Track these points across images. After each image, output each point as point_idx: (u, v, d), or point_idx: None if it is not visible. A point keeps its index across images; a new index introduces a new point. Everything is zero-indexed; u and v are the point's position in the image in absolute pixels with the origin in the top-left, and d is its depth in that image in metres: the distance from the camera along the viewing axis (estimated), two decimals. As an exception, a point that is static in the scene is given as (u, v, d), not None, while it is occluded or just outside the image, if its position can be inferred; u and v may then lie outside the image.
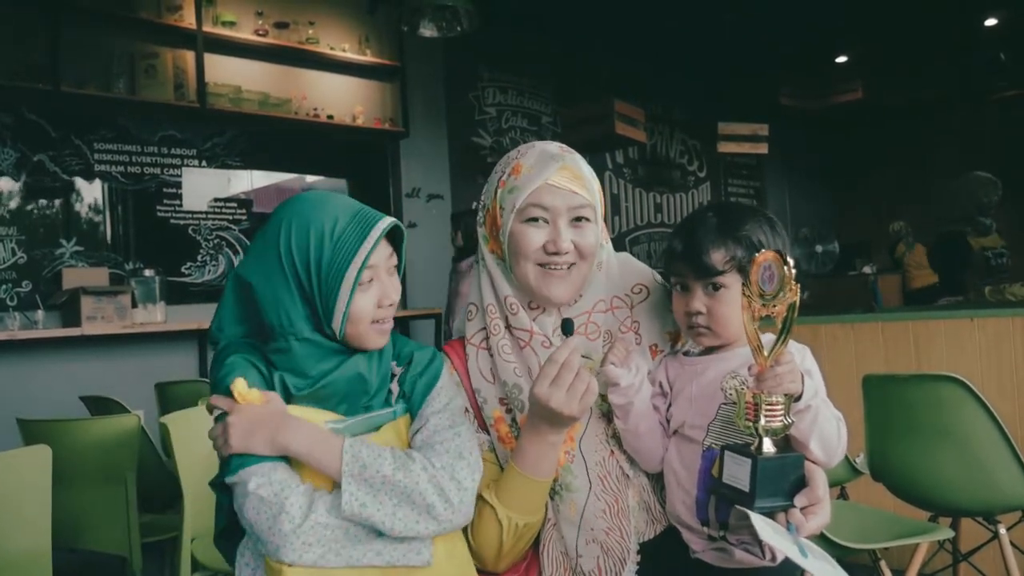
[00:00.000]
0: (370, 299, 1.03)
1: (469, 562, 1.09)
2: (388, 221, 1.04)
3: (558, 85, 6.42)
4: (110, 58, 4.25)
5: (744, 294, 0.97)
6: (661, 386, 1.15)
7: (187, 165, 4.51)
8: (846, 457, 2.29)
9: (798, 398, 0.97)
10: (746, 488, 0.94)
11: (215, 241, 4.59)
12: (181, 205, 4.48)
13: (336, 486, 0.98)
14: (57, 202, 4.08)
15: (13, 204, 3.96)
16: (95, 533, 2.30)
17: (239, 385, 0.98)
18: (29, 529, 1.66)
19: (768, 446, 0.95)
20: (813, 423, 0.99)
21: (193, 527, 2.02)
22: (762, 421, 0.94)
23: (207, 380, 3.34)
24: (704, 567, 1.10)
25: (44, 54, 3.96)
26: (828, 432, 1.01)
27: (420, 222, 5.42)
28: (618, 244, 6.85)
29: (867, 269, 7.58)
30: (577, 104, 5.94)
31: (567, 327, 1.08)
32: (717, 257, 1.07)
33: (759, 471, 0.93)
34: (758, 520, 0.92)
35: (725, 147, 6.62)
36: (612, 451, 1.16)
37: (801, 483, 0.97)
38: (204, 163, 4.58)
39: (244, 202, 4.74)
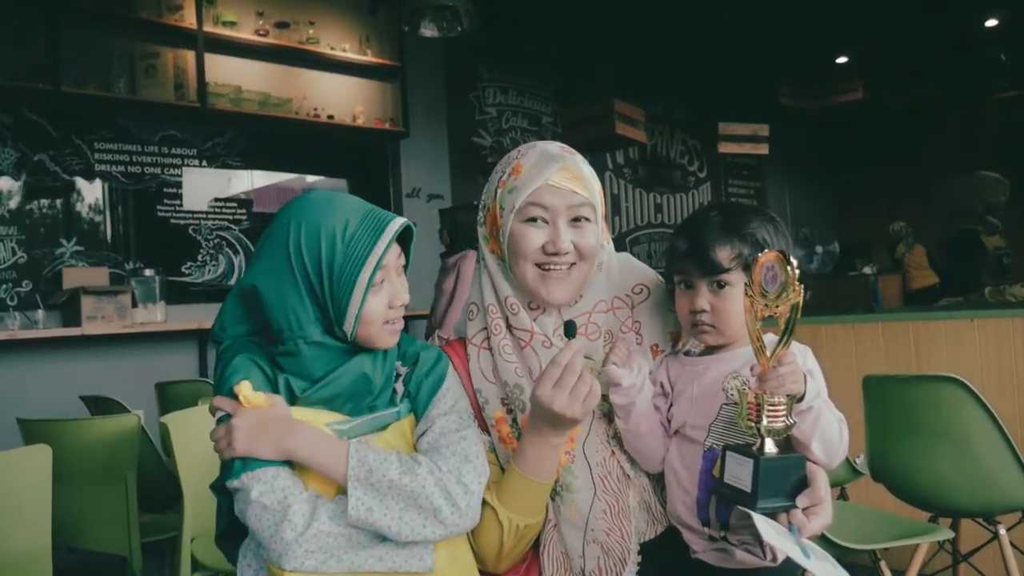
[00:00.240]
0: (382, 300, 1.03)
1: (472, 566, 1.08)
2: (400, 222, 1.03)
3: (558, 85, 6.42)
4: (110, 58, 4.25)
5: (747, 294, 0.97)
6: (662, 386, 1.15)
7: (187, 165, 4.51)
8: (846, 458, 2.29)
9: (800, 399, 0.97)
10: (748, 489, 0.94)
11: (215, 241, 4.59)
12: (181, 205, 4.48)
13: (340, 491, 0.97)
14: (57, 202, 4.08)
15: (13, 204, 3.95)
16: (95, 533, 2.30)
17: (244, 388, 0.97)
18: (29, 529, 1.66)
19: (770, 447, 0.95)
20: (815, 424, 0.99)
21: (193, 527, 2.02)
22: (764, 422, 0.94)
23: (207, 380, 3.35)
24: (705, 567, 1.10)
25: (44, 54, 3.96)
26: (830, 433, 1.01)
27: (420, 222, 5.42)
28: (618, 244, 6.84)
29: (867, 269, 7.58)
30: (577, 104, 5.94)
31: (569, 329, 1.08)
32: (723, 255, 1.07)
33: (761, 472, 0.93)
34: (760, 521, 0.92)
35: (725, 147, 6.62)
36: (613, 452, 1.16)
37: (803, 484, 0.97)
38: (204, 163, 4.58)
39: (244, 202, 4.74)
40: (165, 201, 4.43)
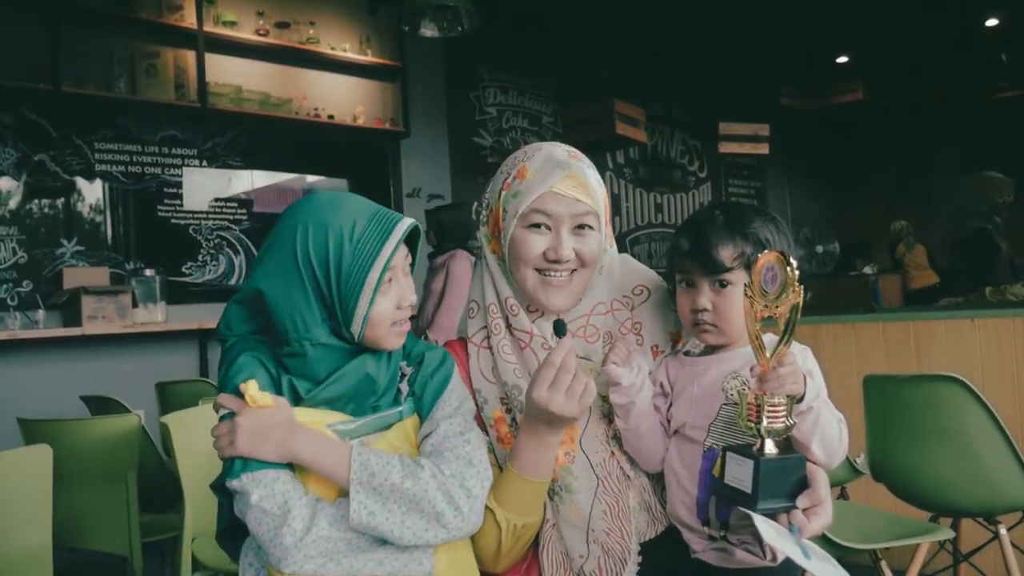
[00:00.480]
0: (390, 301, 1.02)
1: (473, 568, 1.08)
2: (408, 222, 1.02)
3: (558, 85, 6.42)
4: (111, 58, 4.25)
5: (746, 295, 0.97)
6: (662, 386, 1.15)
7: (188, 165, 4.51)
8: (847, 457, 2.29)
9: (800, 399, 0.97)
10: (748, 489, 0.94)
11: (216, 241, 4.59)
12: (182, 205, 4.48)
13: (341, 493, 0.97)
14: (58, 202, 4.08)
15: (14, 204, 3.96)
16: (96, 533, 2.30)
17: (251, 388, 0.96)
18: (30, 529, 1.66)
19: (770, 447, 0.95)
20: (815, 424, 0.99)
21: (194, 527, 2.02)
22: (764, 422, 0.94)
23: (208, 380, 3.35)
24: (705, 567, 1.10)
25: (45, 54, 3.96)
26: (830, 433, 1.01)
27: (421, 222, 5.42)
28: (619, 244, 6.84)
29: (868, 269, 7.58)
30: (577, 104, 5.94)
31: (559, 328, 1.08)
32: (726, 253, 1.08)
33: (762, 472, 0.93)
34: (760, 522, 0.92)
35: (726, 147, 6.62)
36: (613, 452, 1.16)
37: (803, 484, 0.97)
38: (205, 163, 4.58)
39: (245, 202, 4.74)
40: (165, 201, 4.43)
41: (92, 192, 4.18)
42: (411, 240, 1.07)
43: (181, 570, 2.02)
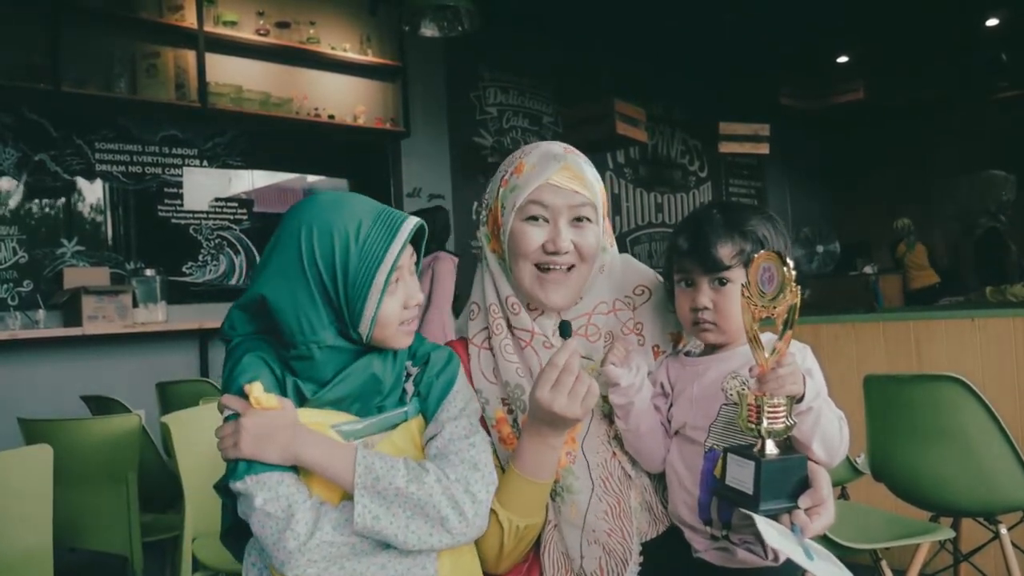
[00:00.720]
0: (397, 301, 1.01)
1: (476, 571, 1.08)
2: (414, 221, 1.02)
3: (559, 85, 6.42)
4: (111, 58, 4.25)
5: (744, 295, 0.97)
6: (662, 387, 1.15)
7: (188, 165, 4.51)
8: (847, 457, 2.29)
9: (800, 399, 0.97)
10: (750, 490, 0.94)
11: (216, 241, 4.59)
12: (182, 205, 4.49)
13: (345, 496, 0.96)
14: (58, 202, 4.09)
15: (14, 204, 3.96)
16: (96, 533, 2.30)
17: (256, 389, 0.95)
18: (30, 529, 1.66)
19: (771, 448, 0.95)
20: (815, 424, 0.99)
21: (194, 527, 2.02)
22: (765, 423, 0.94)
23: (208, 380, 3.35)
24: (706, 567, 1.10)
25: (45, 54, 3.96)
26: (830, 432, 1.01)
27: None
28: (619, 244, 6.83)
29: (868, 269, 7.58)
30: (578, 104, 5.94)
31: (564, 330, 1.08)
32: (725, 251, 1.08)
33: (763, 473, 0.93)
34: (762, 523, 0.92)
35: (726, 147, 6.62)
36: (614, 452, 1.15)
37: (804, 484, 0.97)
38: (205, 163, 4.58)
39: (245, 202, 4.74)
40: (166, 201, 4.43)
41: (92, 192, 4.19)
42: (415, 239, 1.06)
43: (181, 570, 2.02)
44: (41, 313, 3.94)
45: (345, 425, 1.00)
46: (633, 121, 5.70)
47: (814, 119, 8.26)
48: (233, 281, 4.61)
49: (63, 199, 4.10)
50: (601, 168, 6.62)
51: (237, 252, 4.66)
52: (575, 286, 1.17)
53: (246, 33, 4.67)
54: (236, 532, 1.03)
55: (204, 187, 4.57)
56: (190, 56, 4.44)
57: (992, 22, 6.81)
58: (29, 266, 3.97)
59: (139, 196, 4.34)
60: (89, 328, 3.72)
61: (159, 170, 4.41)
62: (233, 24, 4.61)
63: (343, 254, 0.98)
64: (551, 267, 1.14)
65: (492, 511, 1.08)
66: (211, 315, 4.28)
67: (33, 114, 4.02)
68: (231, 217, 4.66)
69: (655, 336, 1.21)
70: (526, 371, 1.17)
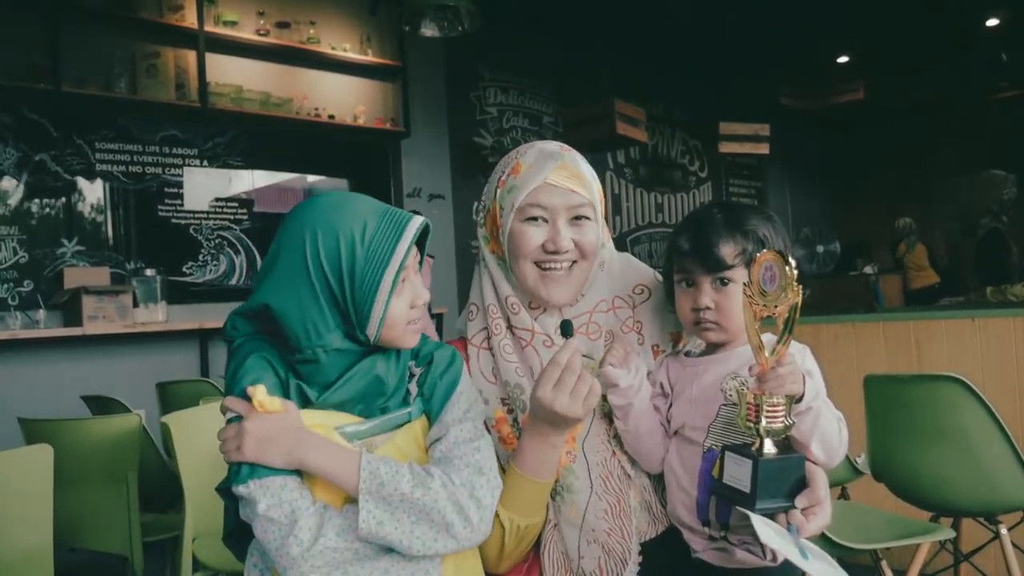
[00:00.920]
0: (404, 301, 1.01)
1: (478, 574, 1.08)
2: (419, 220, 1.01)
3: (559, 85, 6.42)
4: (111, 58, 4.25)
5: (745, 294, 0.97)
6: (662, 387, 1.16)
7: (188, 165, 4.51)
8: (847, 457, 2.29)
9: (799, 399, 0.97)
10: (747, 489, 0.94)
11: (216, 241, 4.59)
12: (182, 205, 4.49)
13: (347, 499, 0.96)
14: (58, 202, 4.09)
15: (14, 204, 3.96)
16: (96, 533, 2.30)
17: (259, 392, 0.94)
18: (30, 528, 1.66)
19: (769, 447, 0.95)
20: (814, 424, 0.99)
21: (194, 527, 2.02)
22: (763, 422, 0.94)
23: (208, 380, 3.35)
24: (705, 567, 1.10)
25: (45, 54, 3.96)
26: (829, 433, 1.01)
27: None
28: (619, 244, 6.83)
29: (868, 269, 7.58)
30: (578, 104, 5.94)
31: (566, 329, 1.08)
32: (727, 251, 1.08)
33: (760, 472, 0.93)
34: (758, 522, 0.92)
35: (726, 147, 6.62)
36: (614, 451, 1.16)
37: (802, 484, 0.97)
38: (205, 163, 4.58)
39: (245, 202, 4.74)
40: (166, 201, 4.43)
41: (93, 192, 4.19)
42: (420, 238, 1.05)
43: (182, 570, 2.02)
44: (41, 313, 3.94)
45: (348, 427, 0.99)
46: (633, 121, 5.70)
47: (814, 119, 8.26)
48: (233, 281, 4.61)
49: (63, 199, 4.10)
50: (601, 168, 6.63)
51: (237, 252, 4.66)
52: (577, 283, 1.17)
53: (246, 33, 4.67)
54: (238, 534, 1.03)
55: (204, 187, 4.57)
56: (190, 56, 4.44)
57: (992, 22, 6.81)
58: (29, 266, 3.97)
59: (139, 196, 4.34)
60: (89, 328, 3.72)
61: (159, 170, 4.41)
62: (233, 24, 4.61)
63: (349, 256, 0.97)
64: (552, 265, 1.14)
65: (493, 511, 1.08)
66: (211, 315, 4.28)
67: (33, 114, 4.02)
68: (231, 217, 4.66)
69: (654, 336, 1.21)
70: (526, 370, 1.17)
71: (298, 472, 0.95)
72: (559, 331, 1.13)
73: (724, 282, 1.09)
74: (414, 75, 5.41)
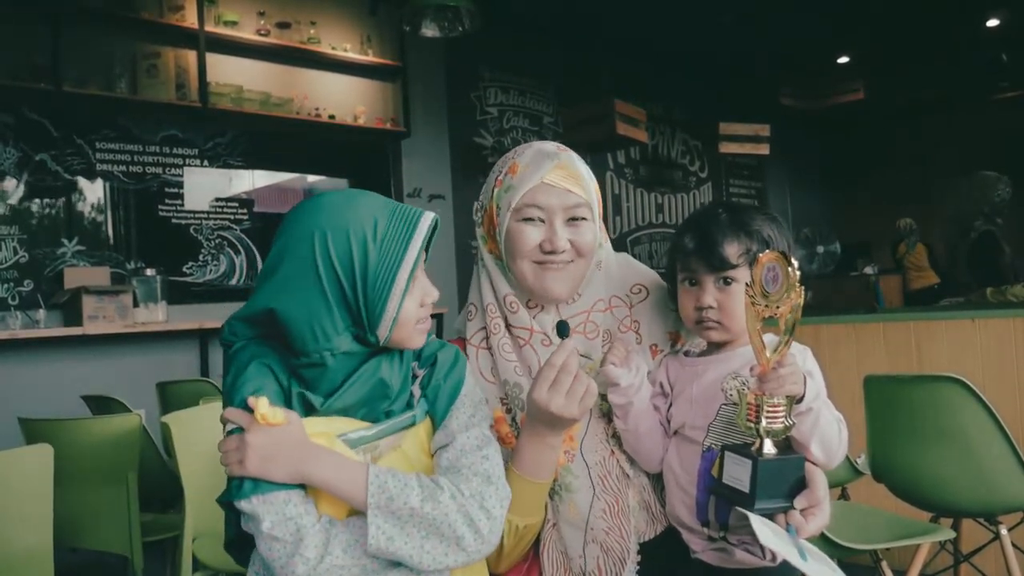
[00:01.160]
0: (415, 300, 0.98)
1: None
2: (431, 217, 0.98)
3: (559, 85, 6.43)
4: (112, 58, 4.26)
5: (747, 294, 0.97)
6: (661, 386, 1.16)
7: (189, 165, 4.51)
8: (847, 458, 2.29)
9: (799, 400, 0.97)
10: (746, 489, 0.94)
11: (217, 241, 4.59)
12: (183, 205, 4.49)
13: (352, 511, 0.94)
14: (59, 201, 4.09)
15: (15, 203, 3.96)
16: (96, 532, 2.30)
17: (262, 404, 0.91)
18: (31, 528, 1.66)
19: (769, 447, 0.95)
20: (814, 425, 0.99)
21: (194, 527, 2.02)
22: (763, 423, 0.94)
23: (209, 380, 3.35)
24: (705, 567, 1.10)
25: (45, 54, 3.96)
26: (829, 434, 1.01)
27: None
28: (619, 244, 6.84)
29: (869, 269, 7.58)
30: (578, 104, 5.94)
31: (562, 329, 1.08)
32: (731, 251, 1.08)
33: (759, 472, 0.93)
34: (757, 522, 0.92)
35: (726, 147, 6.63)
36: (612, 451, 1.16)
37: (801, 484, 0.97)
38: (206, 163, 4.58)
39: (246, 202, 4.74)
40: (166, 201, 4.43)
41: (93, 192, 4.19)
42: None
43: (182, 570, 2.02)
44: (41, 313, 3.94)
45: (352, 433, 0.97)
46: (633, 121, 5.70)
47: (814, 119, 8.27)
48: (233, 281, 4.62)
49: (64, 199, 4.10)
50: (601, 168, 6.63)
51: (237, 252, 4.66)
52: (574, 278, 1.17)
53: (247, 33, 4.68)
54: (240, 542, 1.01)
55: (205, 187, 4.57)
56: (191, 56, 4.45)
57: (992, 22, 6.81)
58: (29, 266, 3.97)
59: (140, 196, 4.34)
60: (89, 328, 3.72)
61: (160, 170, 4.41)
62: (234, 24, 4.61)
63: (362, 255, 0.94)
64: (550, 264, 1.15)
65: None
66: (211, 315, 4.28)
67: (34, 114, 4.02)
68: (231, 217, 4.66)
69: (652, 335, 1.22)
70: (524, 369, 1.17)
71: (302, 485, 0.93)
72: (556, 331, 1.13)
73: (728, 282, 1.09)
74: (414, 75, 5.41)
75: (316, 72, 5.03)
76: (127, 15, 4.25)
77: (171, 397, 3.16)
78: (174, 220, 4.45)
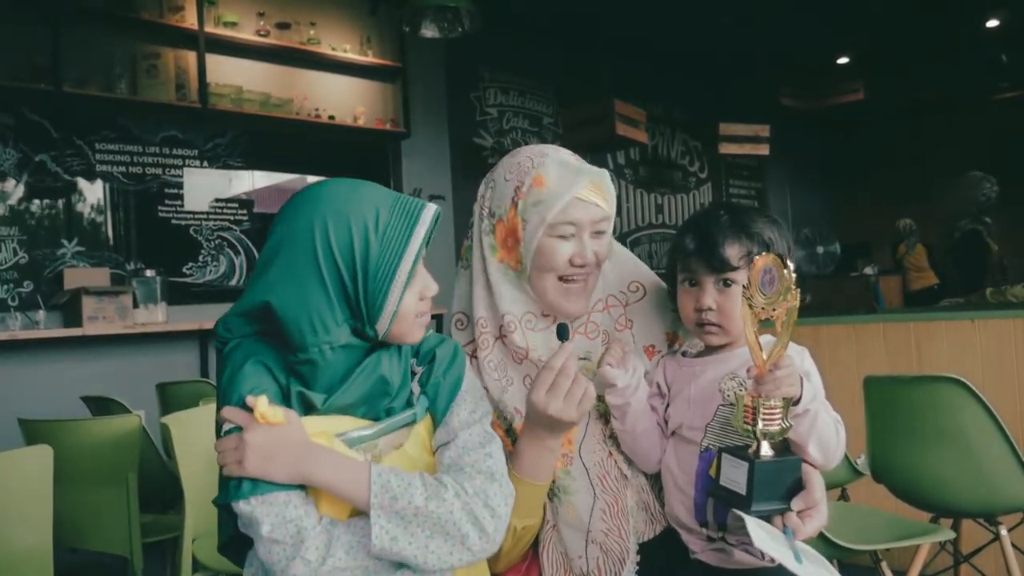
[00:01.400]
0: (415, 293, 0.97)
1: None
2: (433, 208, 0.96)
3: (559, 86, 6.43)
4: (112, 58, 4.26)
5: (744, 296, 0.97)
6: (659, 387, 1.16)
7: (188, 165, 4.51)
8: (847, 458, 2.29)
9: (797, 401, 0.97)
10: (743, 491, 0.94)
11: (216, 241, 4.59)
12: (182, 205, 4.49)
13: (353, 512, 0.92)
14: (58, 202, 4.09)
15: (14, 204, 3.96)
16: (96, 533, 2.30)
17: (261, 403, 0.89)
18: (30, 529, 1.66)
19: (766, 449, 0.95)
20: (812, 426, 0.99)
21: (194, 527, 2.02)
22: (760, 424, 0.94)
23: (209, 380, 3.35)
24: (704, 567, 1.10)
25: (45, 54, 3.96)
26: (826, 435, 1.01)
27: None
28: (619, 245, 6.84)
29: (869, 270, 7.58)
30: (578, 105, 5.94)
31: (562, 332, 1.07)
32: (732, 252, 1.08)
33: (756, 474, 0.93)
34: (753, 525, 0.92)
35: (726, 148, 6.63)
36: (610, 452, 1.16)
37: (798, 486, 0.97)
38: (205, 163, 4.58)
39: (245, 202, 4.74)
40: (166, 202, 4.43)
41: (93, 192, 4.19)
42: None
43: (182, 571, 2.02)
44: (41, 314, 3.94)
45: (352, 432, 0.95)
46: (633, 122, 5.70)
47: (814, 119, 8.26)
48: (233, 282, 4.62)
49: (63, 200, 4.10)
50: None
51: (237, 253, 4.66)
52: (591, 292, 1.18)
53: (246, 34, 4.68)
54: (236, 543, 0.99)
55: (204, 188, 4.57)
56: (191, 57, 4.45)
57: (992, 23, 6.81)
58: (29, 266, 3.97)
59: (139, 197, 4.34)
60: (89, 329, 3.72)
61: (159, 171, 4.41)
62: (233, 25, 4.61)
63: (363, 246, 0.92)
64: (574, 278, 1.14)
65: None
66: (211, 316, 4.27)
67: (34, 114, 4.02)
68: (231, 218, 4.66)
69: (649, 335, 1.22)
70: (507, 385, 1.16)
71: (301, 486, 0.91)
72: (556, 334, 1.13)
73: (728, 283, 1.09)
74: (414, 76, 5.41)
75: (316, 73, 5.03)
76: (127, 15, 4.25)
77: (171, 398, 3.16)
78: (174, 221, 4.45)
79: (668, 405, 1.14)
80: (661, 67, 7.02)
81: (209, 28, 4.47)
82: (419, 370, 1.04)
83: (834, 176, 9.60)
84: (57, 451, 1.70)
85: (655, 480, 1.16)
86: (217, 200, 4.62)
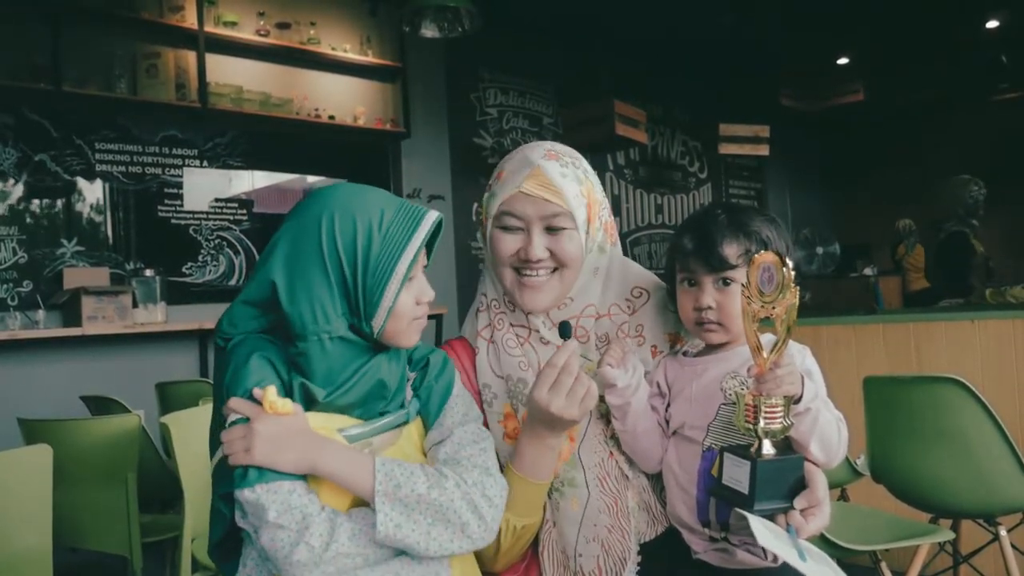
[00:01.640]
0: (411, 295, 1.01)
1: (477, 574, 1.08)
2: (435, 215, 1.01)
3: (559, 86, 6.43)
4: (111, 58, 4.26)
5: (744, 295, 0.97)
6: (659, 387, 1.16)
7: (188, 165, 4.51)
8: (847, 458, 2.29)
9: (798, 400, 0.97)
10: (745, 490, 0.94)
11: (216, 241, 4.59)
12: (182, 205, 4.49)
13: (353, 503, 0.95)
14: (58, 202, 4.09)
15: (14, 204, 3.96)
16: (96, 533, 2.30)
17: (270, 393, 0.92)
18: (30, 529, 1.66)
19: (767, 448, 0.95)
20: (813, 425, 0.99)
21: (194, 527, 2.02)
22: (762, 423, 0.94)
23: (208, 380, 3.35)
24: (706, 568, 1.10)
25: (45, 54, 3.96)
26: (828, 433, 1.01)
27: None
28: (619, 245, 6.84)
29: (868, 270, 7.57)
30: (578, 105, 5.94)
31: (564, 330, 1.08)
32: (730, 251, 1.08)
33: (758, 473, 0.93)
34: (756, 523, 0.91)
35: (726, 148, 6.62)
36: (611, 452, 1.16)
37: (801, 485, 0.97)
38: (205, 163, 4.58)
39: (245, 202, 4.74)
40: (166, 201, 4.43)
41: (92, 192, 4.19)
42: (429, 238, 1.04)
43: (181, 570, 2.02)
44: (41, 313, 3.94)
45: (352, 429, 0.98)
46: (633, 122, 5.70)
47: (814, 119, 8.26)
48: (233, 282, 4.62)
49: (63, 199, 4.10)
50: (601, 169, 6.62)
51: (237, 253, 4.66)
52: (555, 291, 1.16)
53: (246, 34, 4.68)
54: (227, 547, 1.00)
55: (204, 187, 4.57)
56: (190, 56, 4.45)
57: (992, 23, 6.81)
58: (29, 266, 3.97)
59: (139, 196, 4.34)
60: (89, 328, 3.72)
61: (159, 170, 4.41)
62: (233, 25, 4.61)
63: (366, 241, 0.96)
64: (528, 273, 1.15)
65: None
66: (211, 316, 4.27)
67: (33, 114, 4.02)
68: (231, 218, 4.66)
69: (653, 336, 1.21)
70: (528, 365, 1.17)
71: (304, 476, 0.93)
72: (559, 332, 1.13)
73: (727, 282, 1.09)
74: (414, 75, 5.41)
75: (316, 72, 5.04)
76: (127, 15, 4.26)
77: (170, 398, 3.16)
78: (173, 220, 4.45)
79: (669, 405, 1.14)
80: (661, 67, 7.02)
81: (209, 28, 4.47)
82: (412, 376, 1.08)
83: (834, 176, 9.59)
84: (57, 451, 1.70)
85: (656, 480, 1.16)
86: (217, 200, 4.62)
